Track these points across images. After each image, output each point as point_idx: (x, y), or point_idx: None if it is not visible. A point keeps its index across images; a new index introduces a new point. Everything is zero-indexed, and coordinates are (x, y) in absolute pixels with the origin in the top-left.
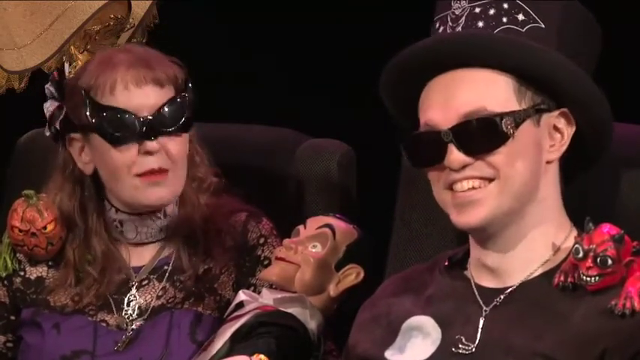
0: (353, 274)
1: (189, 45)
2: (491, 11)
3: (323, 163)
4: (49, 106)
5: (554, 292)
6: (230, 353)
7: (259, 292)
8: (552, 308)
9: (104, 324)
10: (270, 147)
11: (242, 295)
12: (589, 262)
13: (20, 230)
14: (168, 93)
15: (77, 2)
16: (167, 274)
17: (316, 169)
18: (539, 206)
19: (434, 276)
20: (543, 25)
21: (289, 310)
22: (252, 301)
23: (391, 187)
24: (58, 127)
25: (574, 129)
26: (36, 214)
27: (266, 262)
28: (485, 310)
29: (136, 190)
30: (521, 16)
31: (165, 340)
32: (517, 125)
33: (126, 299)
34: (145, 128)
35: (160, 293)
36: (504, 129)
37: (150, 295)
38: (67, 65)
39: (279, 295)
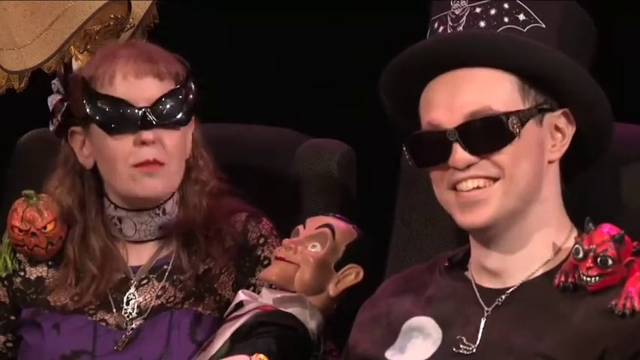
0: (352, 274)
1: (189, 45)
2: (492, 11)
3: (323, 163)
4: (52, 100)
5: (555, 293)
6: (230, 353)
7: (259, 292)
8: (553, 308)
9: (104, 323)
10: (270, 147)
11: (242, 295)
12: (589, 263)
13: (20, 230)
14: (168, 86)
15: (77, 2)
16: (167, 274)
17: (316, 169)
18: (541, 206)
19: (434, 276)
20: (544, 26)
21: (289, 310)
22: (251, 300)
23: (391, 187)
24: (59, 120)
25: (574, 129)
26: (36, 213)
27: (266, 262)
28: (487, 311)
29: (132, 181)
30: (522, 16)
31: (166, 340)
32: (522, 124)
33: (125, 298)
34: (141, 118)
35: (159, 293)
36: (510, 128)
37: (149, 295)
38: (74, 61)
39: (278, 295)
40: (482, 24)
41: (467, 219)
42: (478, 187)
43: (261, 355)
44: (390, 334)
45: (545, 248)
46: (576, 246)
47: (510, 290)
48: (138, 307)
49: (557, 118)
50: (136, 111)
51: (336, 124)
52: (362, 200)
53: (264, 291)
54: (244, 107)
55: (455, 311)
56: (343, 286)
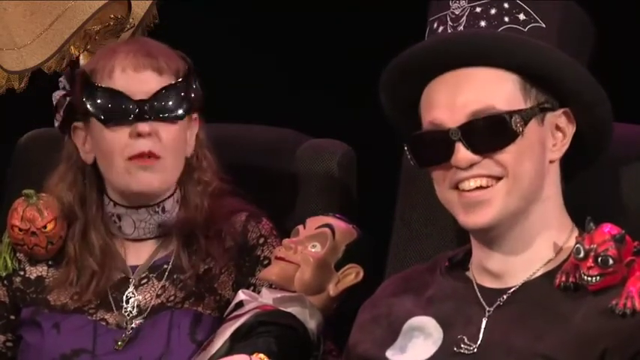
0: (352, 274)
1: (189, 45)
2: (493, 11)
3: (323, 163)
4: (56, 95)
5: (556, 293)
6: (230, 352)
7: (259, 292)
8: (554, 308)
9: (104, 323)
10: (271, 147)
11: (242, 295)
12: (590, 262)
13: (20, 229)
14: (167, 81)
15: (77, 2)
16: (167, 273)
17: (316, 169)
18: (543, 205)
19: (435, 276)
20: (544, 25)
21: (289, 310)
22: (251, 300)
23: (391, 187)
24: (62, 115)
25: (574, 128)
26: (36, 213)
27: (266, 262)
28: (489, 311)
29: (128, 174)
30: (522, 16)
31: (166, 339)
32: (525, 123)
33: (124, 297)
34: (137, 110)
35: (159, 292)
36: (514, 127)
37: (149, 294)
38: (82, 58)
39: (278, 295)
40: (482, 24)
41: (470, 219)
42: (481, 187)
43: (262, 355)
44: (391, 334)
45: (547, 248)
46: (577, 246)
47: (512, 290)
48: (138, 306)
49: (557, 117)
50: (133, 103)
51: (336, 124)
52: (362, 200)
53: (264, 291)
54: (244, 107)
55: (456, 311)
56: (343, 285)
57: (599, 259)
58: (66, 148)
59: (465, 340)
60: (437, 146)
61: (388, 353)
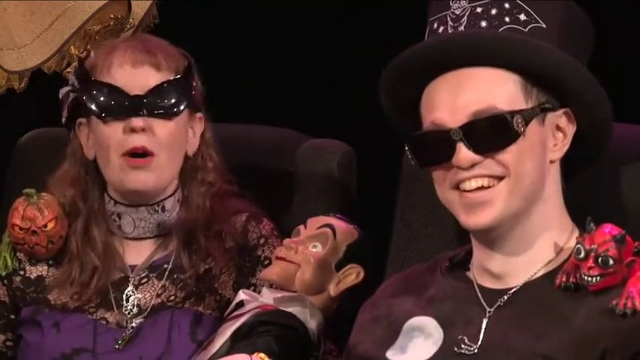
0: (353, 274)
1: (189, 45)
2: (493, 11)
3: (323, 163)
4: (61, 91)
5: (557, 293)
6: (230, 352)
7: (259, 292)
8: (554, 309)
9: (104, 322)
10: (271, 147)
11: (242, 295)
12: (590, 262)
13: (21, 228)
14: (165, 77)
15: (77, 2)
16: (167, 273)
17: (317, 169)
18: (544, 206)
19: (435, 277)
20: (545, 26)
21: (289, 310)
22: (252, 300)
23: (391, 187)
24: (67, 111)
25: (575, 128)
26: (37, 212)
27: (266, 262)
28: (489, 312)
29: (122, 172)
30: (522, 16)
31: (166, 339)
32: (527, 123)
33: (124, 296)
34: (132, 105)
35: (159, 291)
36: (515, 127)
37: (149, 294)
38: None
39: (279, 295)
40: (483, 24)
41: (471, 220)
42: (482, 187)
43: (262, 354)
44: (391, 334)
45: (547, 249)
46: (578, 246)
47: (512, 291)
48: (138, 305)
49: (558, 117)
50: (129, 98)
51: (336, 124)
52: (362, 200)
53: (265, 290)
54: (244, 107)
55: (456, 311)
56: (344, 286)
57: (600, 259)
58: (71, 145)
59: (466, 340)
60: (438, 146)
61: (388, 353)
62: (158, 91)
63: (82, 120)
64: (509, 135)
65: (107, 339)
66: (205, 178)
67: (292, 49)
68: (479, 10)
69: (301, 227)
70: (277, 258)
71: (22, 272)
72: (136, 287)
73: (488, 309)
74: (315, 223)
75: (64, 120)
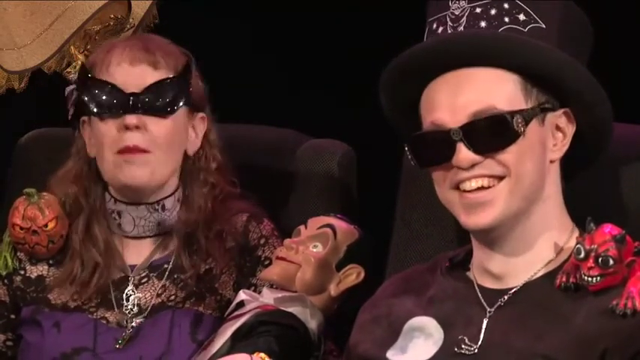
0: (354, 274)
1: (189, 45)
2: (493, 11)
3: (323, 163)
4: (67, 90)
5: (557, 293)
6: (231, 352)
7: (260, 292)
8: (554, 309)
9: (104, 321)
10: (271, 147)
11: (242, 295)
12: (590, 263)
13: (21, 228)
14: (162, 75)
15: (77, 2)
16: (167, 273)
17: (317, 169)
18: (544, 206)
19: (435, 277)
20: (544, 26)
21: (290, 310)
22: (252, 300)
23: (391, 187)
24: (71, 110)
25: (574, 128)
26: (37, 211)
27: (267, 262)
28: (490, 312)
29: (115, 168)
30: (522, 16)
31: (167, 339)
32: (527, 123)
33: (124, 295)
34: (127, 103)
35: (159, 291)
36: (515, 127)
37: (150, 293)
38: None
39: (279, 295)
40: (483, 24)
41: (471, 220)
42: (482, 187)
43: (262, 354)
44: (391, 335)
45: (548, 249)
46: (578, 246)
47: (512, 291)
48: (138, 304)
49: (558, 117)
50: (124, 96)
51: (336, 124)
52: (362, 200)
53: (265, 290)
54: (244, 107)
55: (456, 311)
56: (344, 286)
57: (600, 259)
58: (76, 143)
59: (466, 340)
60: (438, 146)
61: (389, 353)
62: (154, 89)
63: (85, 118)
64: (509, 135)
65: (107, 338)
66: (208, 179)
67: (292, 49)
68: (478, 10)
69: (302, 227)
70: (278, 258)
71: (22, 272)
72: (136, 287)
73: (488, 309)
74: (315, 223)
75: (69, 118)
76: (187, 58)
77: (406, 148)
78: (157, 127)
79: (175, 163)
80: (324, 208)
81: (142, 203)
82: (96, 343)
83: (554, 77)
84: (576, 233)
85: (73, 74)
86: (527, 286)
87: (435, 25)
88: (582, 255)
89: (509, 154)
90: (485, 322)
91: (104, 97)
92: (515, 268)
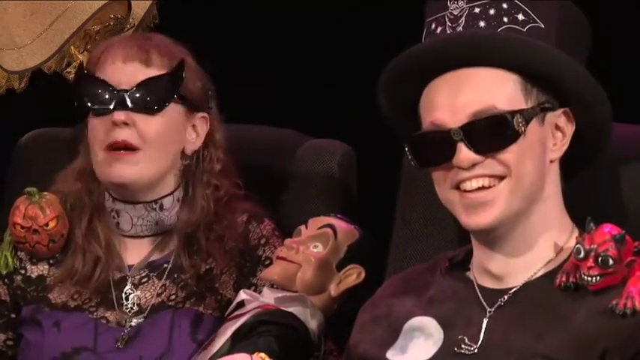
0: (354, 274)
1: (189, 45)
2: (492, 11)
3: (324, 163)
4: None
5: (556, 293)
6: (231, 352)
7: (260, 292)
8: (554, 309)
9: (104, 321)
10: (271, 147)
11: (243, 295)
12: (590, 262)
13: (22, 227)
14: (153, 73)
15: (77, 2)
16: (167, 272)
17: (317, 169)
18: (544, 205)
19: (435, 277)
20: (543, 25)
21: (290, 310)
22: (253, 300)
23: (391, 187)
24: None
25: (574, 128)
26: (38, 211)
27: (267, 262)
28: (490, 312)
29: (103, 164)
30: (521, 16)
31: (167, 338)
32: (527, 123)
33: (123, 294)
34: (117, 99)
35: (159, 291)
36: (516, 127)
37: (149, 293)
38: None
39: (280, 295)
40: (481, 24)
41: (472, 220)
42: (483, 187)
43: (262, 354)
44: (391, 335)
45: (547, 249)
46: (577, 246)
47: (512, 291)
48: (138, 304)
49: (557, 117)
50: (115, 93)
51: (337, 124)
52: (362, 200)
53: (266, 290)
54: (244, 107)
55: (456, 311)
56: (345, 286)
57: (600, 259)
58: (83, 140)
59: (466, 340)
60: (438, 146)
61: (389, 354)
62: (145, 86)
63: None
64: (509, 135)
65: (108, 338)
66: (211, 180)
67: (292, 49)
68: (477, 10)
69: (302, 227)
70: (278, 258)
71: (22, 271)
72: (136, 286)
73: (488, 309)
74: (316, 223)
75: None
76: (183, 57)
77: (406, 148)
78: (147, 123)
79: (168, 161)
80: (324, 208)
81: (140, 202)
82: (96, 342)
83: (553, 77)
84: (576, 233)
85: (73, 74)
86: (527, 286)
87: (433, 26)
88: (582, 255)
89: (509, 154)
90: (485, 322)
91: (95, 94)
92: (515, 268)
